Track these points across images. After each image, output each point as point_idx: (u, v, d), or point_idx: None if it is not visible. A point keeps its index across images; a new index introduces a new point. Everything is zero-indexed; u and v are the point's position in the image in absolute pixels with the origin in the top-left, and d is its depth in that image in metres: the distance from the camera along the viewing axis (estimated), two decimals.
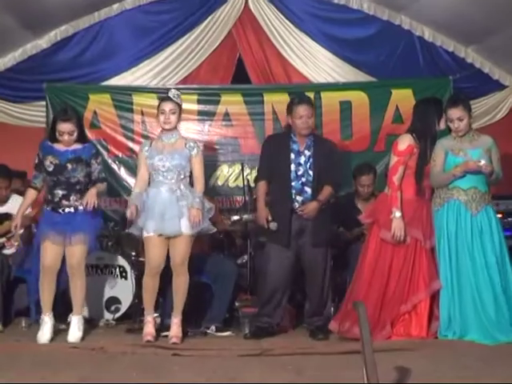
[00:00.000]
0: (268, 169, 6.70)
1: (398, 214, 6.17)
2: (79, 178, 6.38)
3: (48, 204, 6.43)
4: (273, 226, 6.50)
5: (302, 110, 6.59)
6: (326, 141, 7.03)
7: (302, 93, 7.26)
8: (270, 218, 6.52)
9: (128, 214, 6.33)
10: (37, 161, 6.48)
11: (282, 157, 6.61)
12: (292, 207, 6.54)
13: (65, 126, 6.37)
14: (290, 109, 6.68)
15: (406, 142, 6.31)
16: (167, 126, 6.39)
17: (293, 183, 6.56)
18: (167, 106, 6.36)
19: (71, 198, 6.37)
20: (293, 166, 6.58)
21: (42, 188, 6.50)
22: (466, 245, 6.14)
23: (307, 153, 6.62)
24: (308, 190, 6.57)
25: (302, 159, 6.60)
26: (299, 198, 6.56)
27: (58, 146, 6.44)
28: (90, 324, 6.95)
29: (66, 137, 6.37)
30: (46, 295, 6.35)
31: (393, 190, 6.24)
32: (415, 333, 6.17)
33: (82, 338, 6.35)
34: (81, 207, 6.33)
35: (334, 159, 6.75)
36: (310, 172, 6.57)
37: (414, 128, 6.42)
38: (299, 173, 6.58)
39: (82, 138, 6.50)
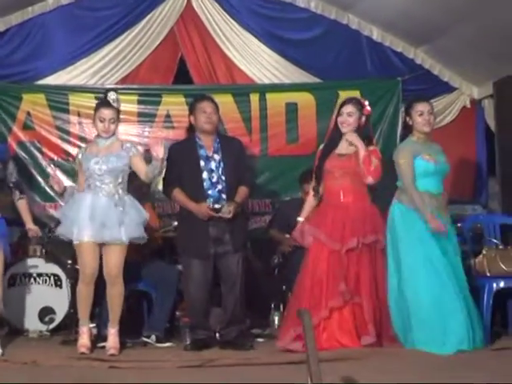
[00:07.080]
0: (177, 177, 6.38)
1: (298, 219, 6.35)
2: None
3: None
4: (224, 209, 6.18)
5: (205, 104, 6.40)
6: (233, 140, 6.79)
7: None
8: (211, 206, 6.20)
9: (57, 187, 6.27)
10: None
11: (191, 164, 6.32)
12: (210, 216, 6.24)
13: None
14: (192, 108, 6.47)
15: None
16: (105, 135, 6.13)
17: (209, 192, 6.26)
18: (107, 115, 6.07)
19: None
20: (205, 174, 6.29)
21: None
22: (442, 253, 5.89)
23: (216, 157, 6.35)
24: (225, 196, 6.28)
25: (213, 164, 6.32)
26: (217, 207, 6.24)
27: None
28: (21, 335, 6.71)
29: None
30: None
31: None
32: (343, 341, 5.94)
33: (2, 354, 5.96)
34: None
35: (244, 158, 6.58)
36: (223, 177, 6.31)
37: None
38: (213, 180, 6.29)
39: None
